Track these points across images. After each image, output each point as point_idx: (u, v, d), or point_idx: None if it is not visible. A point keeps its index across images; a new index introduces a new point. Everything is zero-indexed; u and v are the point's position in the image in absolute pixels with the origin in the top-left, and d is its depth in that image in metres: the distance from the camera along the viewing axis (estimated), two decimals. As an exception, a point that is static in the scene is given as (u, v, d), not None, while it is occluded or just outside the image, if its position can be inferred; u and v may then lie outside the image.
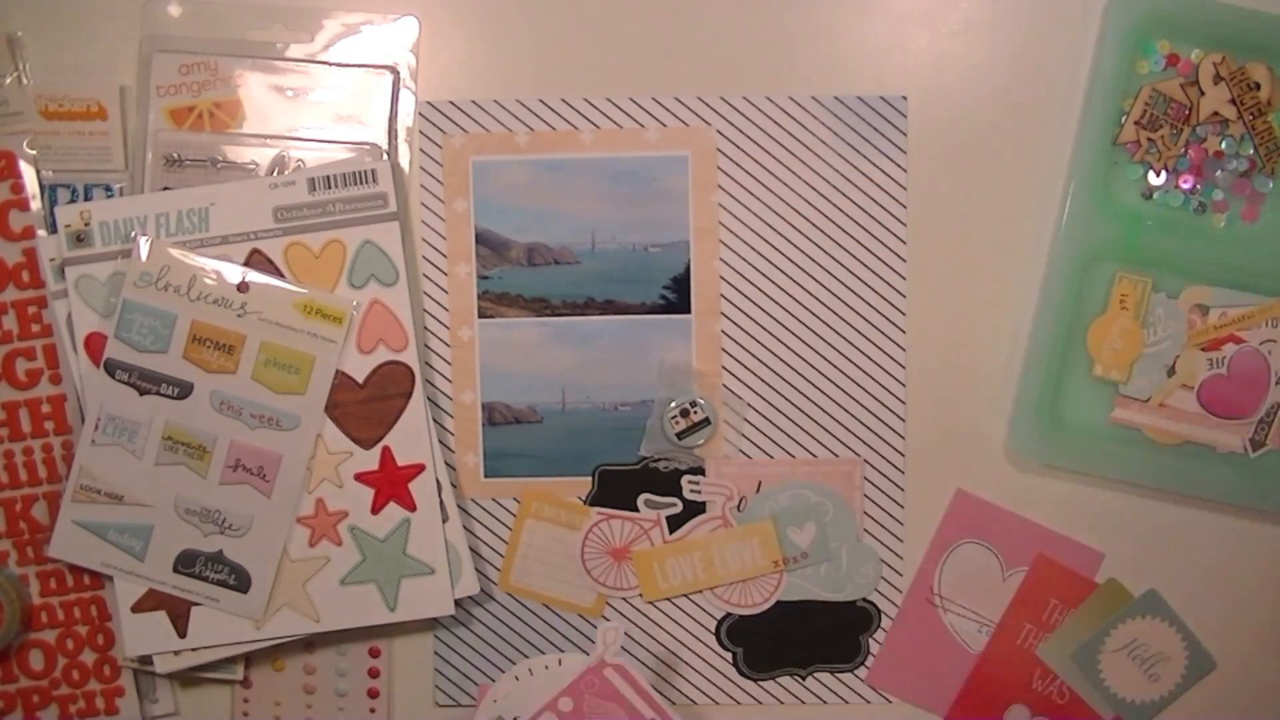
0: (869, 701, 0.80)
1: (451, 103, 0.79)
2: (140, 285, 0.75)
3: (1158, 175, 0.78)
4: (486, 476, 0.80)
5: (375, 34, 0.78)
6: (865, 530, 0.80)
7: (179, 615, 0.76)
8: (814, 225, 0.79)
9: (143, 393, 0.75)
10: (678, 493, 0.80)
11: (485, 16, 0.79)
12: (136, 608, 0.76)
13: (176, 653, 0.77)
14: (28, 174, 0.77)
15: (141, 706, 0.79)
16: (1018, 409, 0.77)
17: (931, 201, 0.79)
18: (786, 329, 0.79)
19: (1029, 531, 0.79)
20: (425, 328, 0.79)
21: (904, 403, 0.79)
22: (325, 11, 0.78)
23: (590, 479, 0.80)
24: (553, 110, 0.79)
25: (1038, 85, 0.78)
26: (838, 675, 0.80)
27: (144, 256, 0.75)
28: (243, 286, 0.75)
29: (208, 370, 0.75)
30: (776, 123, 0.78)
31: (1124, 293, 0.77)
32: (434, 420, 0.77)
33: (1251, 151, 0.77)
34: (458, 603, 0.77)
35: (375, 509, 0.77)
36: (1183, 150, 0.77)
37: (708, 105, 0.78)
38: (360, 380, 0.77)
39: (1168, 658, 0.78)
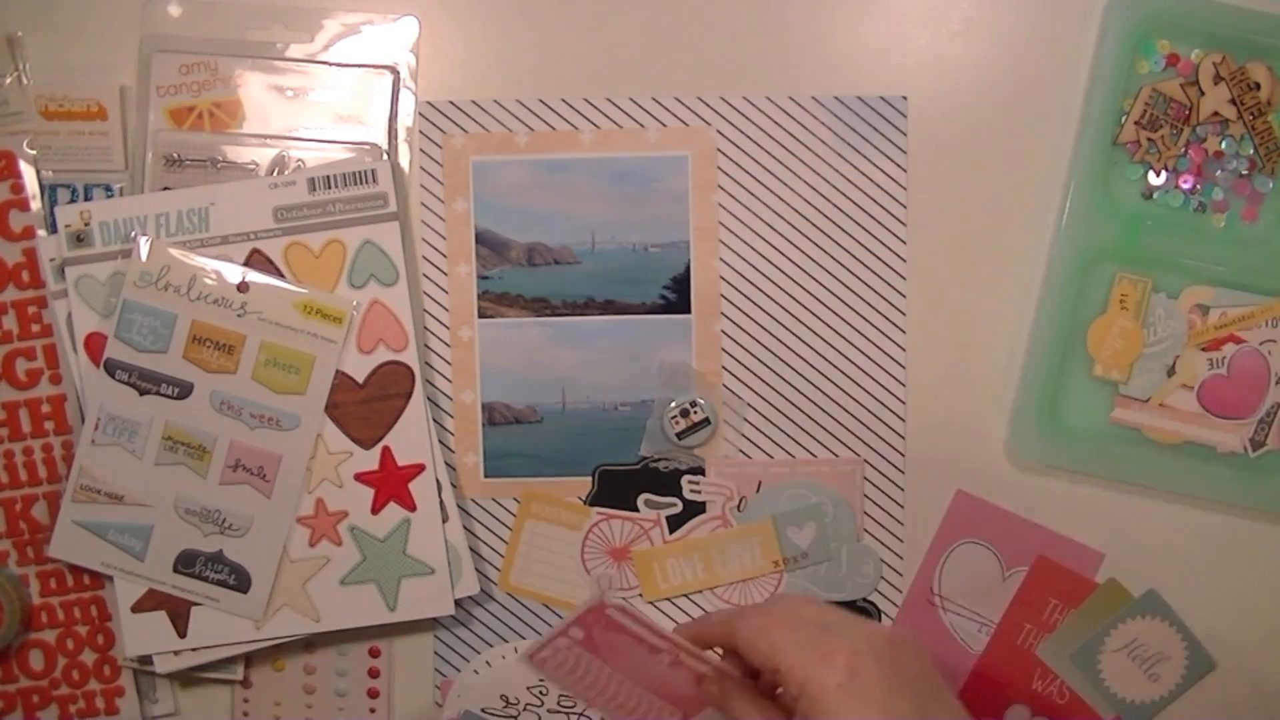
0: (869, 701, 0.80)
1: (451, 103, 0.79)
2: (140, 285, 0.75)
3: (1158, 175, 0.78)
4: (486, 476, 0.80)
5: (375, 34, 0.78)
6: (865, 530, 0.80)
7: (179, 615, 0.76)
8: (814, 225, 0.79)
9: (143, 393, 0.75)
10: (678, 493, 0.79)
11: (485, 16, 0.79)
12: (136, 608, 0.76)
13: (176, 653, 0.77)
14: (28, 174, 0.77)
15: (141, 706, 0.79)
16: (1018, 409, 0.77)
17: (931, 202, 0.79)
18: (786, 329, 0.79)
19: (1029, 531, 0.79)
20: (425, 328, 0.79)
21: (904, 403, 0.79)
22: (325, 11, 0.78)
23: (590, 479, 0.80)
24: (553, 110, 0.79)
25: (1038, 85, 0.78)
26: (838, 675, 0.80)
27: (144, 256, 0.75)
28: (243, 286, 0.75)
29: (208, 370, 0.75)
30: (776, 123, 0.78)
31: (1124, 293, 0.77)
32: (434, 420, 0.77)
33: (1251, 151, 0.77)
34: (458, 603, 0.77)
35: (375, 509, 0.77)
36: (1183, 150, 0.77)
37: (708, 105, 0.78)
38: (360, 380, 0.76)
39: (1168, 658, 0.78)
